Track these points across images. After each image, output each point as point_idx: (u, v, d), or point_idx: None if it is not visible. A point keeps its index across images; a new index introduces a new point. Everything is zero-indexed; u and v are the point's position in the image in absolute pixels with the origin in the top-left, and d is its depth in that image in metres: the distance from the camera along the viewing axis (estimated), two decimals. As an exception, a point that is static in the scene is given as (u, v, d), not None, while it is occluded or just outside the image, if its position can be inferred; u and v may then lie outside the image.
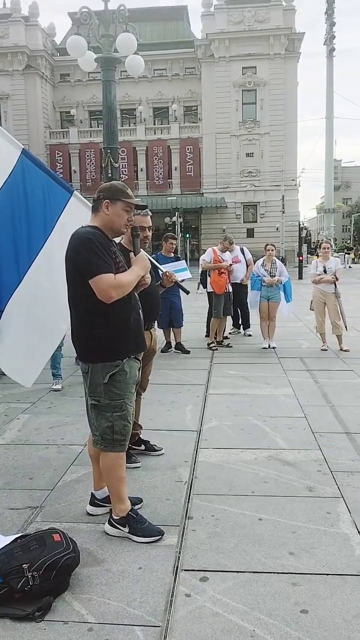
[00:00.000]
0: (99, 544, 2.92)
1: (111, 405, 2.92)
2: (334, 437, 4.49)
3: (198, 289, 11.11)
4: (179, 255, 10.13)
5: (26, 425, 4.97)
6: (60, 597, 2.45)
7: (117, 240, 3.17)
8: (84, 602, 2.43)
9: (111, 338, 2.89)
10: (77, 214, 4.17)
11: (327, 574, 2.61)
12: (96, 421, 2.97)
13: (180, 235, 33.43)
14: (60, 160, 41.43)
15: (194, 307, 11.36)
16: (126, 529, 2.98)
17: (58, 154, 41.51)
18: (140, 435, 4.24)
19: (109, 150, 8.37)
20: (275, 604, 2.40)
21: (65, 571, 2.50)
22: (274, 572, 2.63)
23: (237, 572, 2.64)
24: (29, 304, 4.12)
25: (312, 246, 47.11)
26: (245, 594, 2.47)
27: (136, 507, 3.16)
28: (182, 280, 6.36)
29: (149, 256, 3.73)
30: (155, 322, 4.32)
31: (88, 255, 2.77)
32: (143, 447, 4.20)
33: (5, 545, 2.60)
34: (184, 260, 9.19)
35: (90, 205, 4.44)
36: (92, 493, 3.32)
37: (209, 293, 8.92)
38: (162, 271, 3.96)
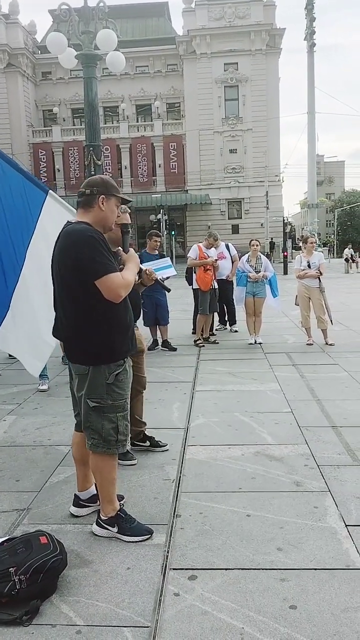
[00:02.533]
0: (87, 545, 2.90)
1: (114, 406, 2.86)
2: (320, 431, 4.50)
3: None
4: (164, 253, 10.09)
5: (12, 426, 4.93)
6: (48, 600, 2.43)
7: None
8: (72, 605, 2.41)
9: (115, 338, 2.82)
10: (54, 213, 4.23)
11: (315, 569, 2.61)
12: (96, 424, 2.86)
13: (165, 233, 33.39)
14: (43, 159, 41.13)
15: (180, 304, 11.35)
16: (115, 529, 2.95)
17: (41, 152, 41.20)
18: (145, 432, 4.26)
19: (91, 148, 8.31)
20: (264, 600, 2.40)
21: (53, 574, 2.48)
22: (263, 569, 2.63)
23: (226, 569, 2.64)
24: (28, 301, 4.24)
25: (296, 241, 47.27)
26: (234, 591, 2.47)
27: (121, 502, 3.14)
28: (167, 278, 6.32)
29: None
30: (140, 320, 4.32)
31: (93, 255, 2.65)
32: (148, 443, 4.22)
33: (-8, 549, 2.57)
34: (169, 258, 9.16)
35: (66, 204, 4.47)
36: (75, 494, 3.29)
37: (194, 290, 8.91)
38: (142, 269, 3.94)
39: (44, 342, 4.40)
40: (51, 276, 2.94)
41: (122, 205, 3.69)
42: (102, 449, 2.89)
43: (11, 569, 2.39)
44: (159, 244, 8.43)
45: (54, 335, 3.14)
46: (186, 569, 2.65)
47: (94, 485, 3.25)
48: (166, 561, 2.72)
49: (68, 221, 2.92)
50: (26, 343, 4.40)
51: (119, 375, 2.86)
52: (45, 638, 2.22)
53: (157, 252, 8.32)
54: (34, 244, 4.23)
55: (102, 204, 2.82)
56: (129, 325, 2.93)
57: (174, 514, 3.20)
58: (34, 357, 4.45)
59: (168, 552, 2.80)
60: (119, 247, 3.21)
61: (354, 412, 5.00)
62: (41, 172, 40.14)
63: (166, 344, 8.43)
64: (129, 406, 3.00)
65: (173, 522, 3.10)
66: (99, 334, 2.78)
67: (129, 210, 3.80)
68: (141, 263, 4.18)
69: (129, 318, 2.93)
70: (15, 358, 5.50)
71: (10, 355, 7.00)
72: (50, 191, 4.40)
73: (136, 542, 2.90)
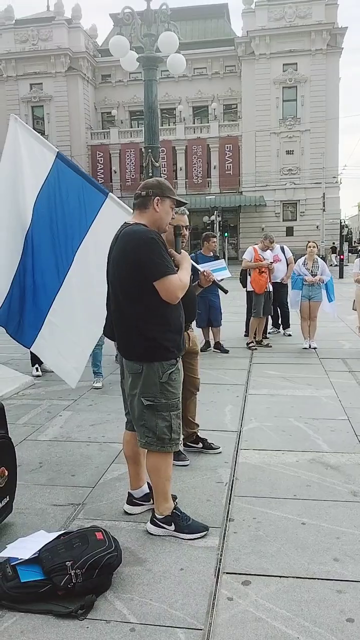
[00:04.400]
0: (140, 543, 2.92)
1: (168, 405, 2.90)
2: (378, 441, 4.37)
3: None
4: (218, 255, 10.07)
5: (68, 422, 5.03)
6: (102, 596, 2.46)
7: None
8: (126, 602, 2.43)
9: (169, 337, 2.87)
10: (112, 215, 4.18)
11: (374, 583, 2.54)
12: (150, 422, 2.89)
13: (218, 234, 33.30)
14: (101, 160, 41.88)
15: (233, 306, 11.28)
16: (172, 527, 2.97)
17: (99, 154, 41.98)
18: (198, 434, 4.27)
19: (150, 150, 8.38)
20: (320, 611, 2.35)
21: (108, 570, 2.51)
22: (318, 579, 2.57)
23: (280, 577, 2.60)
24: (70, 307, 4.18)
25: (353, 244, 46.20)
26: (289, 599, 2.43)
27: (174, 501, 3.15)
28: (222, 280, 6.31)
29: None
30: (194, 321, 4.30)
31: (153, 256, 2.74)
32: (201, 445, 4.22)
33: (49, 542, 2.63)
34: (223, 260, 9.14)
35: (125, 205, 4.46)
36: (129, 493, 3.32)
37: (248, 292, 8.84)
38: (200, 271, 3.94)
39: (82, 351, 4.35)
40: (106, 276, 3.01)
41: (180, 207, 3.75)
42: (155, 447, 2.92)
43: (68, 562, 2.44)
44: (215, 245, 8.41)
45: (105, 334, 3.19)
46: (240, 574, 2.62)
47: (146, 483, 3.28)
48: (219, 565, 2.70)
49: (125, 222, 2.98)
50: (65, 351, 4.30)
51: (172, 374, 2.90)
52: (99, 633, 2.24)
53: (212, 254, 8.30)
54: (84, 246, 4.22)
55: (157, 205, 2.90)
56: (182, 325, 2.99)
57: (227, 517, 3.18)
58: (72, 366, 4.33)
59: (221, 555, 2.78)
60: (170, 249, 3.24)
61: None
62: (98, 173, 40.88)
63: (218, 346, 8.40)
64: (181, 405, 3.03)
65: (226, 525, 3.09)
66: (154, 332, 2.83)
67: (187, 212, 3.81)
68: (196, 264, 4.19)
69: (181, 317, 2.99)
70: None
71: None
72: (110, 194, 4.41)
73: (194, 539, 2.91)
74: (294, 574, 2.61)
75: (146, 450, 3.02)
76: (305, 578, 2.58)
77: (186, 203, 3.40)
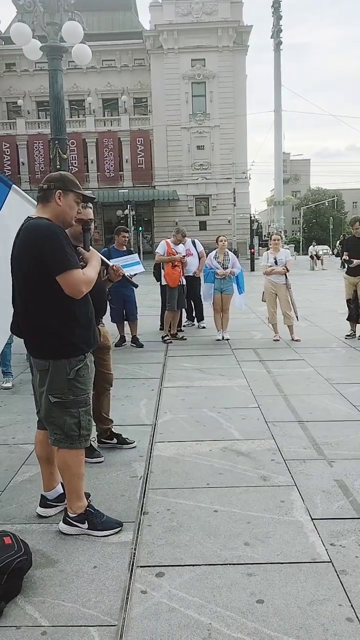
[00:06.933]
0: (53, 545, 2.85)
1: (76, 401, 2.86)
2: (286, 426, 4.55)
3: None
4: (132, 249, 10.04)
5: (-25, 425, 4.82)
6: (12, 602, 2.38)
7: None
8: (37, 605, 2.36)
9: (76, 333, 2.83)
10: (16, 208, 4.02)
11: (282, 563, 2.63)
12: (58, 419, 2.86)
13: (132, 228, 33.20)
14: (7, 152, 40.37)
15: (147, 300, 11.31)
16: (85, 526, 2.93)
17: (5, 145, 40.43)
18: (112, 429, 4.23)
19: (56, 142, 8.19)
20: (232, 595, 2.41)
21: (17, 574, 2.43)
22: (230, 564, 2.64)
23: (193, 565, 2.63)
24: None
25: (263, 239, 47.70)
26: (202, 587, 2.47)
27: (88, 499, 3.11)
28: (135, 274, 6.29)
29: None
30: (107, 316, 4.25)
31: (56, 249, 2.68)
32: (115, 440, 4.19)
33: None
34: (137, 254, 9.10)
35: (30, 198, 4.31)
36: (42, 495, 3.23)
37: (162, 286, 8.88)
38: (109, 265, 3.89)
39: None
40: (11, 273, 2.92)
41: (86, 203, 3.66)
42: (65, 444, 2.89)
43: (-26, 571, 2.33)
44: (127, 239, 8.36)
45: (12, 332, 3.10)
46: (153, 566, 2.63)
47: (60, 484, 3.21)
48: (133, 559, 2.70)
49: (28, 217, 2.90)
50: None
51: (80, 370, 2.86)
52: (9, 640, 2.17)
53: (125, 248, 8.24)
54: None
55: (59, 199, 2.84)
56: (91, 320, 2.95)
57: (141, 511, 3.18)
58: None
59: (135, 549, 2.78)
60: (80, 246, 3.17)
61: (319, 406, 5.07)
62: (5, 165, 39.40)
63: (135, 340, 8.39)
64: (91, 401, 3.01)
65: (140, 519, 3.09)
66: (60, 329, 2.79)
67: (91, 206, 3.74)
68: (109, 259, 4.13)
69: (90, 312, 2.95)
70: None
71: None
72: (13, 185, 4.25)
73: (108, 536, 2.89)
74: (206, 561, 2.66)
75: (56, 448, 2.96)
76: (217, 564, 2.63)
77: (93, 199, 3.34)
